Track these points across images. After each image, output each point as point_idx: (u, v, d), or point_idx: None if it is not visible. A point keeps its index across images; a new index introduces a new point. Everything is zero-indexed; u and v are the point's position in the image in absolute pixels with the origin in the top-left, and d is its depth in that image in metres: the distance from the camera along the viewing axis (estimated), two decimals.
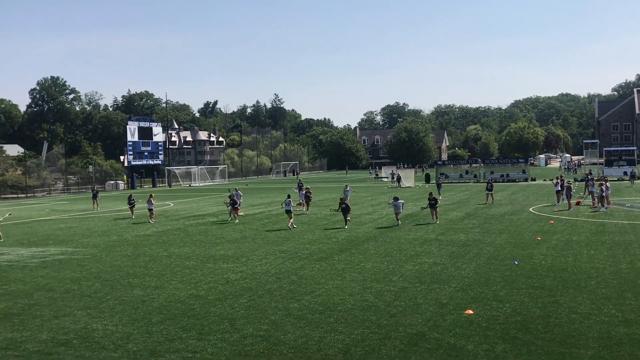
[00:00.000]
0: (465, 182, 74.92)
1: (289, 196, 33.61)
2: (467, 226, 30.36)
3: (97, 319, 14.70)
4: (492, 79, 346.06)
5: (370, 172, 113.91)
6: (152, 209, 37.43)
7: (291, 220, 31.56)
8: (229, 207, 36.15)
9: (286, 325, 13.61)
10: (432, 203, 32.27)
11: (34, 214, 46.93)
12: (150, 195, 38.87)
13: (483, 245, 24.04)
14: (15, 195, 76.61)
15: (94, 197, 49.33)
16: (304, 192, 42.00)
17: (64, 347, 12.50)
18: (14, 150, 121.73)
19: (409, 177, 72.55)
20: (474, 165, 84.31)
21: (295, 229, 30.73)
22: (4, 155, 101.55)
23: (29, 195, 77.38)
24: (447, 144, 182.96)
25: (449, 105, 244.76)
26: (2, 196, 76.02)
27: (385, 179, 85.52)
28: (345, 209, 31.67)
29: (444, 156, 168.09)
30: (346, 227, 30.59)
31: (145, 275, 20.11)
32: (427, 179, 78.08)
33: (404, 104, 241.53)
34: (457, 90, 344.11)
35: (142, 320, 14.40)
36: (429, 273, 18.93)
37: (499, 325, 13.16)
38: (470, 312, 14.22)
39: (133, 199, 40.42)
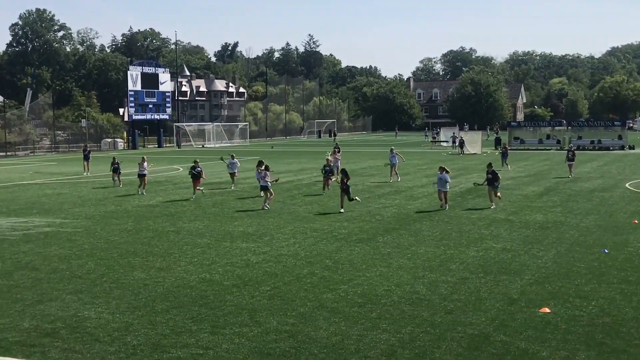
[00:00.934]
0: (545, 149, 74.04)
1: (265, 167, 30.77)
2: (545, 204, 30.13)
3: (90, 305, 15.03)
4: (583, 19, 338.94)
5: (425, 135, 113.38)
6: (144, 175, 36.31)
7: (269, 198, 29.98)
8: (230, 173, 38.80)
9: (317, 320, 13.75)
10: (491, 178, 29.60)
11: (14, 177, 47.93)
12: (143, 159, 37.42)
13: (565, 229, 23.85)
14: None
15: (86, 158, 50.07)
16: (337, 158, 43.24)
17: (50, 338, 12.83)
18: None
19: (474, 142, 72.02)
20: (557, 128, 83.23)
21: (301, 208, 30.79)
22: None
23: (9, 153, 78.97)
24: (524, 100, 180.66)
25: (528, 52, 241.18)
26: None
27: (445, 144, 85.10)
28: (345, 190, 28.86)
29: (520, 116, 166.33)
30: (342, 210, 28.50)
31: (148, 254, 20.46)
32: (498, 144, 77.39)
33: (470, 49, 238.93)
34: (538, 33, 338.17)
35: (143, 308, 14.69)
36: (496, 261, 18.87)
37: (581, 328, 13.09)
38: (547, 310, 14.17)
39: (117, 163, 41.08)
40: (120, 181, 40.65)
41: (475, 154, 67.90)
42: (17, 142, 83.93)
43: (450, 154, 68.79)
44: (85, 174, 48.44)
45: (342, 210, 28.34)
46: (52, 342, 12.59)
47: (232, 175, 39.07)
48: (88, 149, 53.15)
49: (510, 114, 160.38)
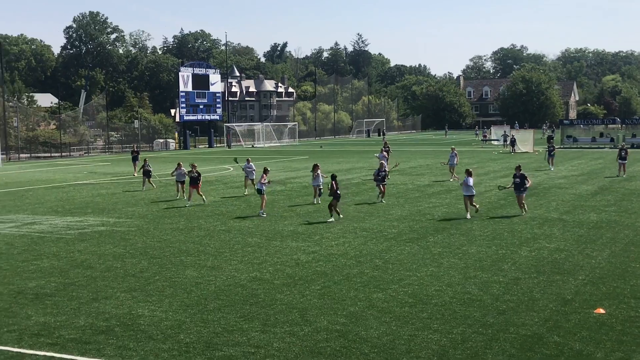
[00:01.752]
0: (599, 148, 72.88)
1: (263, 170, 29.03)
2: (599, 203, 29.65)
3: (143, 303, 15.25)
4: (637, 15, 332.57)
5: (476, 133, 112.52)
6: (183, 182, 33.63)
7: (263, 202, 28.22)
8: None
9: (368, 319, 13.74)
10: (518, 183, 26.69)
11: (69, 177, 48.85)
12: (179, 164, 34.67)
13: (620, 228, 23.47)
14: (49, 154, 79.95)
15: (134, 159, 49.47)
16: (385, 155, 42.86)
17: (104, 336, 13.04)
18: (46, 100, 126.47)
19: (526, 140, 71.14)
20: (611, 126, 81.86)
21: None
22: (36, 106, 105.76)
23: (64, 154, 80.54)
24: (577, 98, 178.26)
25: (580, 49, 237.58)
26: (33, 154, 79.41)
27: (496, 142, 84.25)
28: (335, 196, 26.24)
29: (573, 114, 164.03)
30: (331, 220, 25.96)
31: (199, 252, 20.68)
32: (549, 142, 76.39)
33: (521, 47, 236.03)
34: (591, 29, 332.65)
35: (196, 307, 14.84)
36: (550, 261, 18.65)
37: (637, 329, 12.89)
38: (602, 311, 13.98)
39: (148, 164, 38.59)
40: (151, 184, 38.49)
41: (527, 152, 67.07)
42: (72, 143, 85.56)
43: (501, 152, 68.10)
44: (135, 174, 48.65)
45: (331, 220, 25.94)
46: (107, 340, 12.79)
47: (247, 179, 35.97)
48: (137, 149, 53.00)
49: (562, 112, 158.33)
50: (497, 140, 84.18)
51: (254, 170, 35.82)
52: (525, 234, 22.75)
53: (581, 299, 14.91)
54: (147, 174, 38.19)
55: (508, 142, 72.10)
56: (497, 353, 11.80)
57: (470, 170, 27.29)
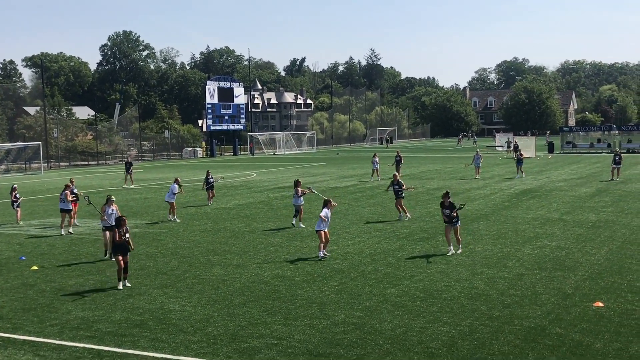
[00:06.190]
0: (596, 153, 72.42)
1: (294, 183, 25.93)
2: (597, 204, 29.45)
3: (174, 298, 15.33)
4: (632, 28, 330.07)
5: (461, 136, 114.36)
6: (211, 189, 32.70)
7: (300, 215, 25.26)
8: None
9: (382, 313, 13.74)
10: (448, 215, 19.37)
11: (105, 183, 49.14)
12: (208, 172, 33.69)
13: (617, 227, 23.29)
14: (86, 162, 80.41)
15: (127, 170, 46.03)
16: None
17: (139, 329, 13.12)
18: (84, 112, 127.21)
19: (528, 146, 70.82)
20: (607, 132, 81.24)
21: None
22: (74, 118, 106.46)
23: (100, 162, 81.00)
24: (576, 107, 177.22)
25: (579, 61, 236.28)
26: (72, 163, 79.99)
27: (500, 148, 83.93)
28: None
29: (572, 122, 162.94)
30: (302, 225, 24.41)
31: (226, 252, 20.74)
32: (551, 148, 76.04)
33: (523, 59, 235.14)
34: (589, 42, 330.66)
35: (222, 302, 14.90)
36: (551, 258, 18.56)
37: (634, 321, 12.80)
38: (600, 304, 13.89)
39: (212, 177, 33.19)
40: (211, 198, 33.06)
41: (529, 157, 66.73)
42: (107, 152, 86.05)
43: (505, 158, 67.77)
44: (125, 185, 45.56)
45: (302, 226, 25.03)
46: (141, 332, 12.87)
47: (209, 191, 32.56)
48: (129, 160, 49.77)
49: (562, 120, 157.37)
50: (502, 146, 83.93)
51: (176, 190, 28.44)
52: (528, 233, 22.63)
53: (581, 293, 14.83)
54: (211, 187, 32.75)
55: (512, 148, 71.76)
56: (502, 344, 11.77)
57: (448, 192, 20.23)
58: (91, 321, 13.73)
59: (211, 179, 32.77)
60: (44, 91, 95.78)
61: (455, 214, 19.17)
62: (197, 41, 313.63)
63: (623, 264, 17.60)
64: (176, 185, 28.37)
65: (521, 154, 46.43)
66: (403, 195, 26.68)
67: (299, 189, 25.19)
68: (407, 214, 26.61)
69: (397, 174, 29.10)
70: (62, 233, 24.99)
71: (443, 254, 19.38)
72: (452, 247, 19.46)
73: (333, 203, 20.25)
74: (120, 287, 16.06)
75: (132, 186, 45.16)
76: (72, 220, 26.02)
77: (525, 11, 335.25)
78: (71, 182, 26.58)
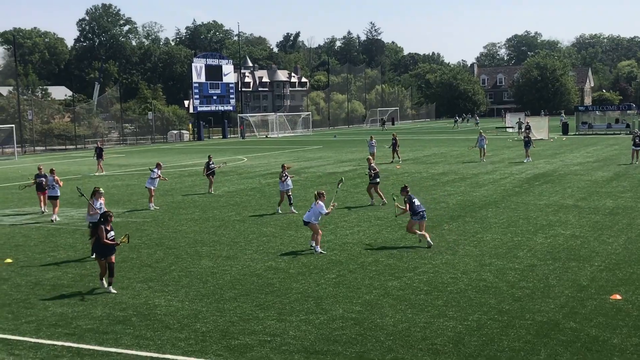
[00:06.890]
0: (614, 134, 72.48)
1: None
2: (615, 190, 29.52)
3: (160, 293, 15.36)
4: None
5: (455, 120, 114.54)
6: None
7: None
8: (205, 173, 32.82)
9: (383, 307, 13.78)
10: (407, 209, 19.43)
11: (84, 169, 49.08)
12: (210, 157, 33.73)
13: (636, 214, 23.36)
14: (63, 147, 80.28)
15: (98, 156, 45.60)
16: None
17: (122, 325, 13.15)
18: (60, 92, 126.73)
19: (541, 127, 70.83)
20: (626, 112, 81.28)
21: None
22: (50, 99, 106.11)
23: (78, 146, 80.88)
24: (592, 84, 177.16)
25: (595, 35, 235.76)
26: (48, 147, 79.85)
27: (510, 130, 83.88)
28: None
29: (588, 100, 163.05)
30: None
31: (215, 242, 20.77)
32: (565, 129, 76.06)
33: (535, 33, 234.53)
34: (606, 15, 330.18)
35: (212, 296, 14.93)
36: (565, 248, 18.60)
37: None
38: (618, 297, 13.95)
39: (213, 164, 33.10)
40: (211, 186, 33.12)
41: (542, 139, 66.77)
42: (86, 135, 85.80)
43: (515, 140, 67.81)
44: (97, 173, 44.90)
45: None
46: (124, 329, 12.90)
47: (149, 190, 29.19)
48: (101, 146, 48.31)
49: (577, 99, 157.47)
50: (512, 127, 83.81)
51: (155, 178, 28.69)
52: (540, 220, 22.68)
53: (597, 285, 14.88)
54: (212, 173, 32.76)
55: (523, 129, 71.76)
56: (512, 339, 11.81)
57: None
58: (70, 317, 13.75)
59: (212, 165, 32.78)
60: (16, 70, 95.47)
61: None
62: (182, 15, 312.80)
63: None
64: (157, 170, 28.48)
65: (528, 135, 46.65)
66: (378, 180, 27.63)
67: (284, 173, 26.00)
68: (383, 198, 27.14)
69: (370, 158, 30.49)
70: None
71: (449, 244, 19.43)
72: (426, 235, 19.16)
73: (333, 203, 20.48)
74: (105, 285, 15.83)
75: (103, 173, 44.68)
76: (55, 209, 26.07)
77: None
78: (51, 172, 26.67)
